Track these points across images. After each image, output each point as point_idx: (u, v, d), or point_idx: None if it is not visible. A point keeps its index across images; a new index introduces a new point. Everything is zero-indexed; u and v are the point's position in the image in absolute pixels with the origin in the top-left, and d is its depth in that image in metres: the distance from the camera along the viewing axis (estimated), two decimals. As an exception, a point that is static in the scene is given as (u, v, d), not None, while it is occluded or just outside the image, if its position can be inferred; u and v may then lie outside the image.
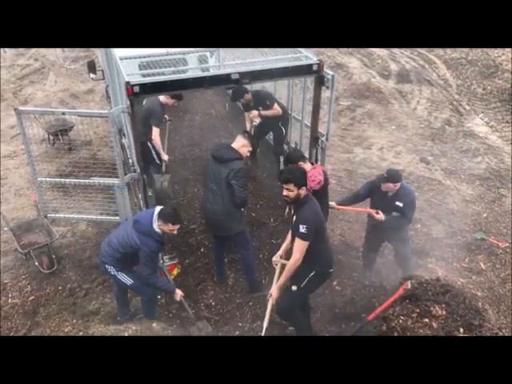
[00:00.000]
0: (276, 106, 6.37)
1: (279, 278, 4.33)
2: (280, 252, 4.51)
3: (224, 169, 4.74)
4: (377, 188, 5.05)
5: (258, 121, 6.53)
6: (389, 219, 4.96)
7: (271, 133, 6.94)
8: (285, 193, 4.11)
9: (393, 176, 4.90)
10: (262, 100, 6.39)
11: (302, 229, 4.02)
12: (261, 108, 6.35)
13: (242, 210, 5.17)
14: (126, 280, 4.60)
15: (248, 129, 6.59)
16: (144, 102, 6.35)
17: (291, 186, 4.03)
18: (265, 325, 4.21)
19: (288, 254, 4.39)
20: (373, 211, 5.03)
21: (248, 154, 4.98)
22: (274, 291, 4.27)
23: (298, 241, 4.10)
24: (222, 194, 4.84)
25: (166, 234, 4.48)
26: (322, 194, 5.08)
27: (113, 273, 4.58)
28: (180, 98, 6.21)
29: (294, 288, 4.33)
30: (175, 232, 4.51)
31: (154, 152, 6.16)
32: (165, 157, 6.23)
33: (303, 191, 4.05)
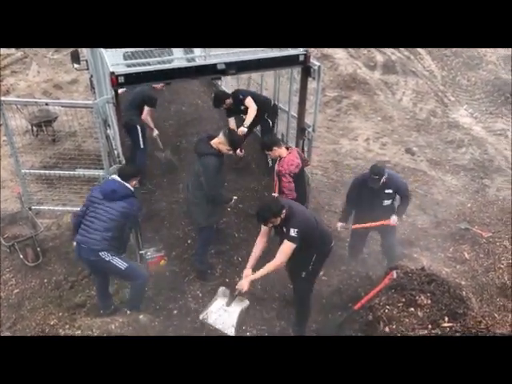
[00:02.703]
0: (248, 100, 6.15)
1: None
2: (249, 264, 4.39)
3: (198, 162, 4.83)
4: (363, 183, 5.11)
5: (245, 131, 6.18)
6: (385, 208, 5.17)
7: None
8: (270, 225, 4.31)
9: (381, 172, 4.97)
10: (237, 97, 6.27)
11: (293, 232, 4.11)
12: (242, 107, 6.22)
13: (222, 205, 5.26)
14: (121, 264, 4.51)
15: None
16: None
17: (273, 220, 4.18)
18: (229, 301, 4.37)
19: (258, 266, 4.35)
20: (388, 221, 5.17)
21: (229, 153, 4.90)
22: (245, 285, 4.21)
23: (286, 243, 4.15)
24: (192, 186, 4.99)
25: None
26: (300, 175, 5.22)
27: (107, 258, 4.45)
28: (168, 82, 6.23)
29: (303, 275, 4.50)
30: (137, 184, 4.83)
31: (140, 135, 6.20)
32: (156, 132, 6.49)
33: (283, 214, 4.17)
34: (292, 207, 4.27)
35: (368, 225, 5.31)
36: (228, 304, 4.35)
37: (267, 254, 4.46)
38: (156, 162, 6.69)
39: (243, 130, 6.00)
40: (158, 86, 6.26)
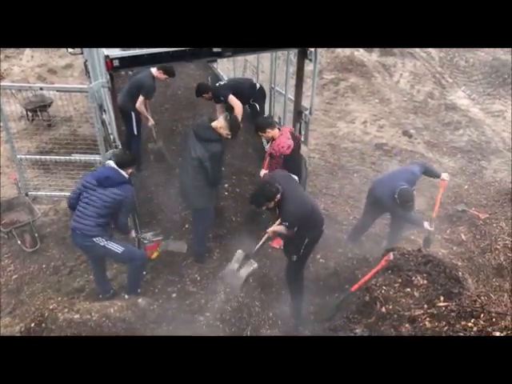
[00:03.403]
0: (231, 98, 6.20)
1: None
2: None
3: (201, 147, 4.81)
4: (383, 205, 5.23)
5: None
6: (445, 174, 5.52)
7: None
8: (264, 208, 4.52)
9: (409, 198, 5.03)
10: (217, 96, 6.34)
11: (285, 223, 4.39)
12: (222, 98, 6.30)
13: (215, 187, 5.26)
14: (117, 248, 4.53)
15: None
16: (132, 72, 6.31)
17: (267, 204, 4.35)
18: (256, 248, 4.89)
19: None
20: (443, 184, 5.46)
21: (228, 137, 4.91)
22: (271, 230, 4.62)
23: (283, 226, 4.45)
24: (192, 169, 4.94)
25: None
26: (294, 156, 5.24)
27: (102, 244, 4.47)
28: (173, 74, 6.28)
29: (294, 258, 4.63)
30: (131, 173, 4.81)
31: (134, 122, 6.17)
32: (151, 122, 6.39)
33: (277, 197, 4.27)
34: (285, 192, 4.29)
35: (438, 202, 5.52)
36: (239, 269, 4.90)
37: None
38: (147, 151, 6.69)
39: None
40: (162, 77, 6.20)
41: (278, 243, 5.51)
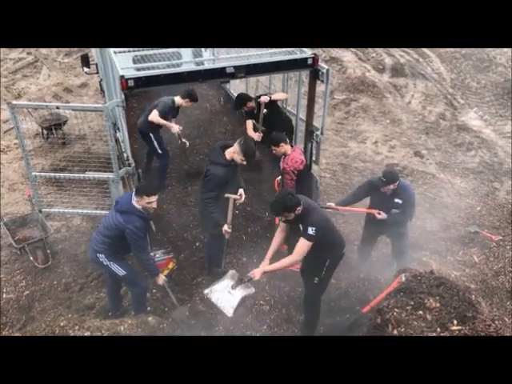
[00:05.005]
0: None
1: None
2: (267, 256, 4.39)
3: (207, 168, 4.84)
4: (375, 188, 5.07)
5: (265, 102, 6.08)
6: (390, 217, 5.07)
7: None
8: (283, 219, 4.27)
9: (391, 178, 4.95)
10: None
11: (311, 231, 4.08)
12: (269, 97, 6.16)
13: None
14: (119, 270, 4.56)
15: (252, 136, 6.15)
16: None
17: (287, 214, 4.15)
18: (247, 279, 4.27)
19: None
20: (375, 211, 5.08)
21: (243, 163, 4.78)
22: (257, 274, 4.18)
23: (302, 241, 4.12)
24: (200, 189, 5.03)
25: (147, 209, 4.42)
26: (306, 172, 5.31)
27: (105, 263, 4.52)
28: (195, 99, 6.28)
29: (316, 280, 4.47)
30: (154, 205, 4.43)
31: (155, 142, 6.24)
32: (175, 128, 6.21)
33: (298, 210, 4.12)
34: (310, 205, 4.25)
35: (354, 209, 5.33)
36: (234, 287, 4.38)
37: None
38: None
39: (265, 98, 6.06)
40: (189, 104, 6.27)
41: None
